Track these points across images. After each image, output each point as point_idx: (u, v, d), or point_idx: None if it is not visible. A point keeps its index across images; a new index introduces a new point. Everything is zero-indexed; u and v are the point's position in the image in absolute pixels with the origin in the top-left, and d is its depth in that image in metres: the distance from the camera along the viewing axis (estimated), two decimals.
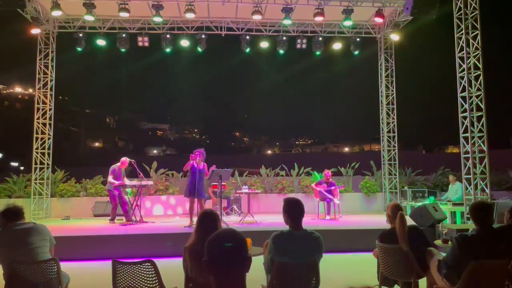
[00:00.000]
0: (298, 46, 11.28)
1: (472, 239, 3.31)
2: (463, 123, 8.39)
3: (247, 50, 11.19)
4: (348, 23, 10.26)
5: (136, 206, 8.90)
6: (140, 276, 3.15)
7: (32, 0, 9.60)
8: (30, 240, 3.51)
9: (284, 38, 11.12)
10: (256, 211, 10.05)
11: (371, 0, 10.00)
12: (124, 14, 9.69)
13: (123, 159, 9.06)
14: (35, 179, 10.46)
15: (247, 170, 12.55)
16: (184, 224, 8.46)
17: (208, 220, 3.02)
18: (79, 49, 10.80)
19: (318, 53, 11.42)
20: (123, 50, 10.95)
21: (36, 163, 10.50)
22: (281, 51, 11.25)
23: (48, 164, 10.66)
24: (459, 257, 3.26)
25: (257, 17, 10.07)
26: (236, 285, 1.58)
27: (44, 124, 10.67)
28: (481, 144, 8.17)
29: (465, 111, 8.34)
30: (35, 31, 10.21)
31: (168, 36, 10.86)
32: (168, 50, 11.03)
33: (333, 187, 9.57)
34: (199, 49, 11.10)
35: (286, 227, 3.31)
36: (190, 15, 9.77)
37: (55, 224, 8.89)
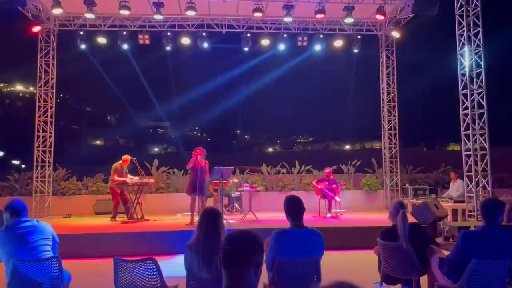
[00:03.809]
0: (299, 43, 11.25)
1: (477, 236, 3.30)
2: (464, 121, 8.38)
3: (248, 47, 11.18)
4: (349, 20, 10.24)
5: (138, 204, 8.91)
6: (142, 274, 3.16)
7: None
8: (32, 239, 3.50)
9: (285, 35, 11.10)
10: (257, 208, 10.06)
11: None
12: (124, 12, 9.68)
13: (125, 156, 9.08)
14: (37, 177, 10.47)
15: (248, 168, 12.55)
16: (185, 221, 8.48)
17: (210, 218, 3.02)
18: (80, 47, 10.79)
19: (319, 50, 11.40)
20: (123, 48, 10.95)
21: (37, 161, 10.51)
22: (282, 49, 11.24)
23: (49, 162, 10.68)
24: (462, 254, 3.26)
25: (258, 15, 10.05)
26: (247, 284, 1.59)
27: (45, 122, 10.68)
28: (483, 141, 8.16)
29: (466, 108, 8.32)
30: (36, 29, 10.21)
31: (168, 33, 10.84)
32: (168, 47, 11.02)
33: (334, 185, 9.57)
34: (200, 46, 11.08)
35: (287, 225, 3.31)
36: (190, 13, 9.76)
37: (57, 222, 8.91)
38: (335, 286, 1.13)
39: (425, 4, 9.21)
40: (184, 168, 11.42)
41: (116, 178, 8.78)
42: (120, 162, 9.01)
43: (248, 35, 10.98)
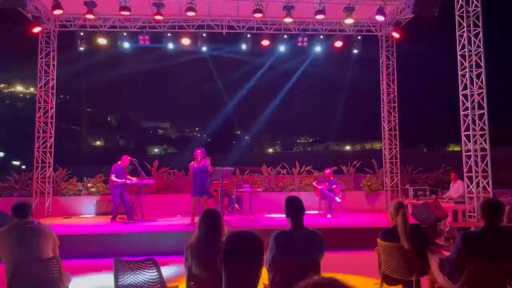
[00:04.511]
0: (299, 44, 11.26)
1: (477, 237, 3.30)
2: (464, 121, 8.37)
3: (248, 48, 11.18)
4: (349, 21, 10.24)
5: (138, 205, 8.91)
6: (142, 274, 3.16)
7: None
8: (32, 240, 3.51)
9: (285, 36, 11.11)
10: (258, 209, 10.05)
11: None
12: (125, 13, 9.68)
13: (124, 157, 9.10)
14: (37, 178, 10.47)
15: (248, 169, 12.55)
16: (185, 222, 8.49)
17: (210, 219, 3.02)
18: (80, 48, 10.80)
19: (319, 51, 11.40)
20: (124, 48, 10.96)
21: (37, 162, 10.51)
22: (282, 49, 11.24)
23: (49, 163, 10.68)
24: (462, 255, 3.25)
25: (258, 16, 10.06)
26: (246, 284, 1.59)
27: (46, 123, 10.69)
28: (483, 142, 8.15)
29: (466, 109, 8.32)
30: (36, 30, 10.21)
31: (169, 34, 10.85)
32: (169, 48, 11.02)
33: (334, 186, 9.57)
34: (200, 47, 11.08)
35: (287, 226, 3.31)
36: (191, 14, 9.77)
37: (57, 223, 8.90)
38: (316, 283, 1.10)
39: (426, 4, 9.21)
40: (184, 169, 11.43)
41: (113, 178, 8.79)
42: (119, 162, 9.03)
43: (248, 35, 10.98)
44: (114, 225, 8.53)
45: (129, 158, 9.12)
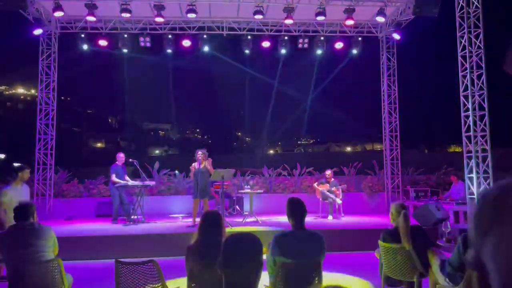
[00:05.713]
0: (300, 45, 11.26)
1: None
2: (465, 122, 8.37)
3: (249, 49, 11.19)
4: (349, 22, 10.25)
5: (139, 207, 8.91)
6: (143, 276, 3.16)
7: (34, 1, 9.63)
8: (33, 242, 3.52)
9: (286, 37, 11.12)
10: (258, 211, 10.05)
11: None
12: (125, 15, 9.71)
13: (118, 154, 9.09)
14: (38, 180, 10.48)
15: (249, 170, 12.54)
16: (186, 224, 8.48)
17: (211, 220, 3.02)
18: (81, 49, 10.81)
19: (319, 52, 11.41)
20: (125, 50, 10.98)
21: (38, 164, 10.52)
22: (283, 51, 11.25)
23: (50, 165, 10.69)
24: (463, 256, 3.25)
25: (258, 17, 10.07)
26: (246, 286, 1.60)
27: (47, 125, 10.70)
28: (484, 143, 8.14)
29: (467, 110, 8.31)
30: (37, 32, 10.23)
31: (169, 36, 10.87)
32: (169, 50, 11.04)
33: (334, 187, 9.56)
34: (201, 49, 11.10)
35: (288, 227, 3.31)
36: (191, 15, 9.79)
37: (58, 225, 8.91)
38: None
39: (426, 5, 9.22)
40: (185, 171, 11.43)
41: (114, 179, 8.79)
42: (116, 162, 9.02)
43: (249, 37, 10.99)
44: (115, 226, 8.52)
45: (123, 154, 9.11)
